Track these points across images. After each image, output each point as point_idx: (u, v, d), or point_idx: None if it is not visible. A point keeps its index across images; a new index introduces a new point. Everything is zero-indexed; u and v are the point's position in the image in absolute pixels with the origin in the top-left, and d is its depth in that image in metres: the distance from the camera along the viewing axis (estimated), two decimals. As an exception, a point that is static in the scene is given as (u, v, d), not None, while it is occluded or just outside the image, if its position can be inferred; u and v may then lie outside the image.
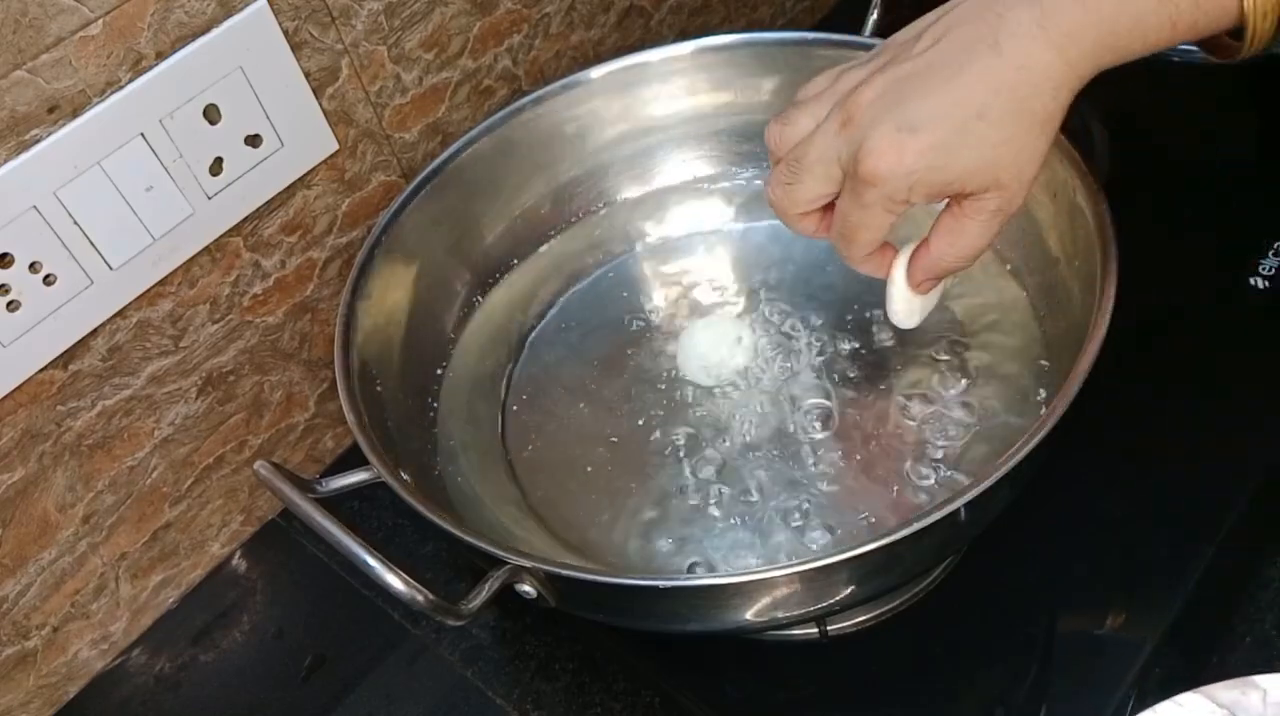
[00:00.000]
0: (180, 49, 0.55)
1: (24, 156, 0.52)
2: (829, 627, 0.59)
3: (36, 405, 0.58)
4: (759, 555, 0.58)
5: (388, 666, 0.64)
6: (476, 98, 0.72)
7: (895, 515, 0.58)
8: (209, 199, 0.60)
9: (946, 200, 0.49)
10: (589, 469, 0.63)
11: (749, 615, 0.51)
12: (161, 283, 0.60)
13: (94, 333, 0.58)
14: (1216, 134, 0.81)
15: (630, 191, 0.75)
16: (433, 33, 0.67)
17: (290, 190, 0.64)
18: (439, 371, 0.68)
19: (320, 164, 0.64)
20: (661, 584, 0.49)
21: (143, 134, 0.55)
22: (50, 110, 0.52)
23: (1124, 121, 0.81)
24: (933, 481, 0.59)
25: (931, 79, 0.46)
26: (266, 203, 0.63)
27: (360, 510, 0.71)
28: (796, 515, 0.59)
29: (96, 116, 0.54)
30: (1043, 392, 0.60)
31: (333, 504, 0.51)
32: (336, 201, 0.67)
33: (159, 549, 0.67)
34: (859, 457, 0.61)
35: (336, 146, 0.65)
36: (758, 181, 0.75)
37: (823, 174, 0.49)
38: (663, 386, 0.66)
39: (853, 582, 0.50)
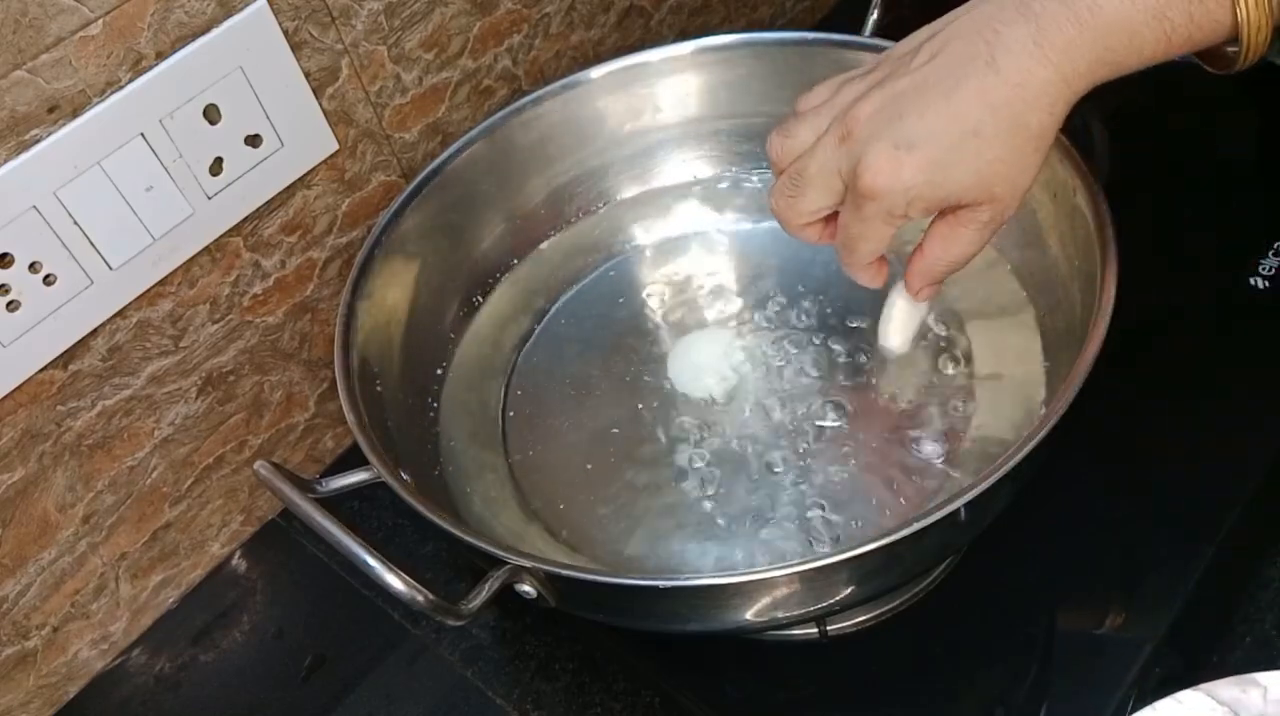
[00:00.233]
0: (180, 49, 0.55)
1: (24, 156, 0.52)
2: (829, 627, 0.59)
3: (36, 405, 0.58)
4: (758, 555, 0.58)
5: (388, 666, 0.64)
6: (476, 98, 0.72)
7: (895, 516, 0.58)
8: (209, 199, 0.60)
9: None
10: (589, 468, 0.63)
11: (749, 615, 0.51)
12: (161, 283, 0.60)
13: (94, 333, 0.58)
14: (1216, 134, 0.81)
15: (630, 191, 0.75)
16: (433, 33, 0.67)
17: (290, 190, 0.64)
18: (439, 371, 0.68)
19: (320, 164, 0.64)
20: (661, 584, 0.49)
21: (143, 134, 0.55)
22: (50, 110, 0.52)
23: (1124, 121, 0.81)
24: (932, 482, 0.59)
25: (928, 95, 0.46)
26: (266, 203, 0.63)
27: (360, 510, 0.71)
28: (796, 515, 0.59)
29: (96, 116, 0.54)
30: (1043, 392, 0.60)
31: (333, 504, 0.51)
32: (336, 201, 0.67)
33: (159, 549, 0.67)
34: (858, 459, 0.61)
35: (336, 146, 0.65)
36: (757, 181, 0.75)
37: (824, 186, 0.50)
38: (662, 387, 0.66)
39: (853, 582, 0.50)
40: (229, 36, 0.57)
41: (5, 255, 0.53)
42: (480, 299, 0.71)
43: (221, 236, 0.61)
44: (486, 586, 0.48)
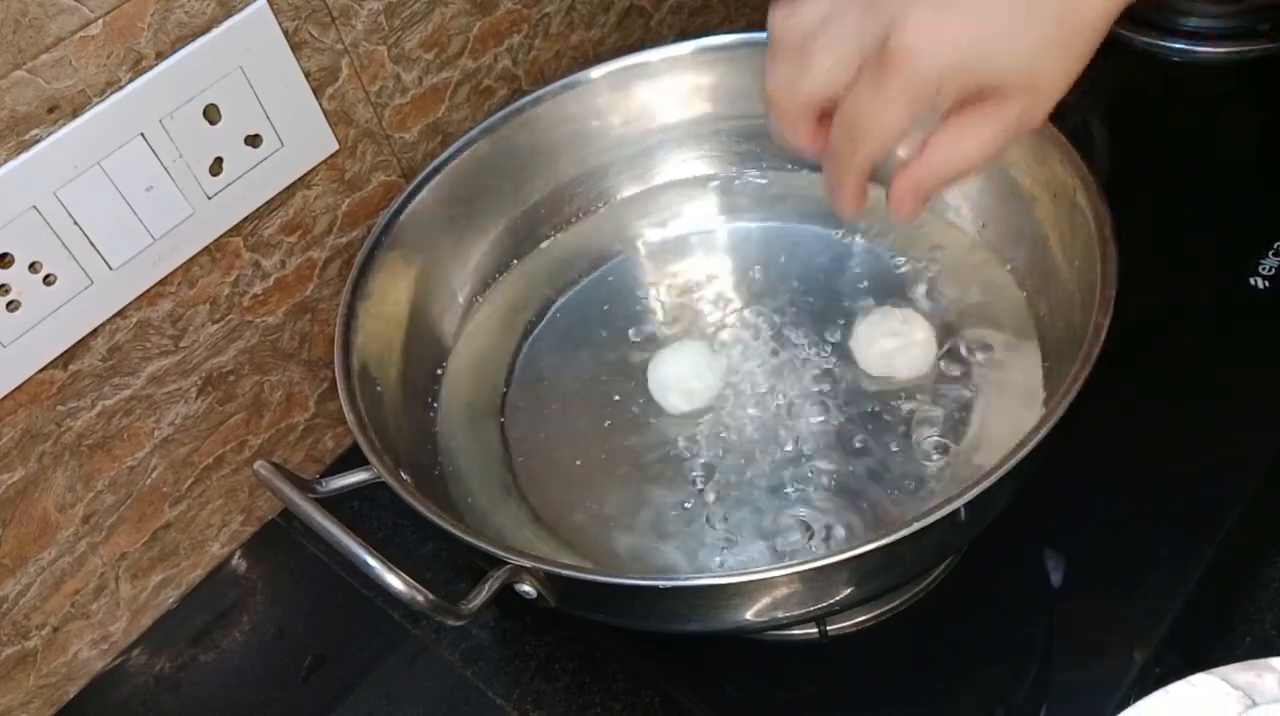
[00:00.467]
0: (180, 49, 0.55)
1: (24, 156, 0.52)
2: (829, 627, 0.59)
3: (36, 405, 0.58)
4: (758, 554, 0.58)
5: (388, 666, 0.64)
6: (476, 98, 0.72)
7: (894, 516, 0.58)
8: (209, 199, 0.60)
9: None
10: (589, 468, 0.63)
11: (749, 615, 0.51)
12: (161, 283, 0.60)
13: (94, 333, 0.58)
14: (1216, 134, 0.81)
15: (630, 191, 0.75)
16: (433, 33, 0.67)
17: (290, 190, 0.64)
18: (439, 371, 0.68)
19: (320, 164, 0.64)
20: (661, 584, 0.49)
21: (143, 134, 0.55)
22: (50, 110, 0.52)
23: (1124, 121, 0.81)
24: (932, 482, 0.59)
25: None
26: (266, 203, 0.63)
27: (360, 510, 0.71)
28: (796, 515, 0.59)
29: (96, 116, 0.54)
30: (1042, 392, 0.60)
31: (333, 504, 0.51)
32: (336, 201, 0.67)
33: (159, 549, 0.67)
34: (858, 459, 0.61)
35: (336, 146, 0.65)
36: (757, 181, 0.75)
37: (835, 63, 0.42)
38: (663, 386, 0.66)
39: (853, 582, 0.50)
40: (229, 36, 0.57)
41: (5, 255, 0.53)
42: (480, 299, 0.71)
43: (221, 236, 0.61)
44: (486, 586, 0.48)
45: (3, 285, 0.54)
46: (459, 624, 0.53)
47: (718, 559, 0.58)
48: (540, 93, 0.70)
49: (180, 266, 0.60)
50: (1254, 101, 0.83)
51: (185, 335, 0.62)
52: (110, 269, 0.57)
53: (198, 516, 0.68)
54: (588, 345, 0.69)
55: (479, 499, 0.63)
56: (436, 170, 0.67)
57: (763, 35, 0.70)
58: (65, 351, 0.57)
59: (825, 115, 0.44)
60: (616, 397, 0.66)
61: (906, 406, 0.62)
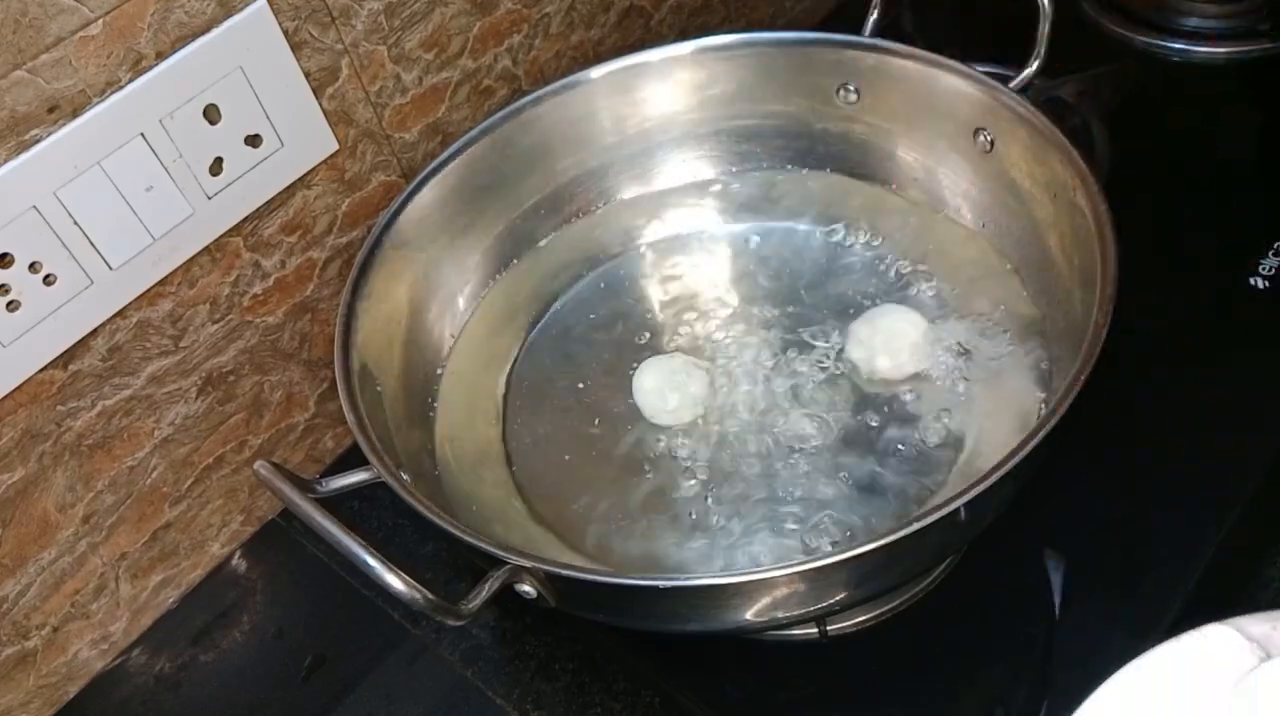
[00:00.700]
0: (180, 49, 0.55)
1: (24, 156, 0.52)
2: (829, 627, 0.59)
3: (36, 405, 0.58)
4: (758, 555, 0.58)
5: (388, 666, 0.64)
6: (476, 98, 0.72)
7: (894, 516, 0.58)
8: (209, 199, 0.60)
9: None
10: (589, 468, 0.63)
11: (749, 615, 0.51)
12: (161, 283, 0.60)
13: (94, 333, 0.58)
14: (1216, 134, 0.81)
15: (630, 191, 0.75)
16: (433, 33, 0.67)
17: (290, 190, 0.64)
18: (439, 371, 0.68)
19: (320, 164, 0.64)
20: (661, 584, 0.49)
21: (143, 134, 0.55)
22: (50, 110, 0.52)
23: (1124, 121, 0.81)
24: (932, 482, 0.59)
25: None
26: (266, 203, 0.63)
27: (360, 510, 0.71)
28: (795, 515, 0.59)
29: (96, 116, 0.54)
30: (1042, 393, 0.60)
31: (333, 504, 0.51)
32: (336, 201, 0.67)
33: (159, 549, 0.67)
34: (857, 458, 0.61)
35: (336, 146, 0.65)
36: (757, 181, 0.75)
37: None
38: (663, 386, 0.66)
39: (853, 582, 0.50)
40: (229, 36, 0.57)
41: (5, 255, 0.53)
42: (480, 299, 0.71)
43: (221, 236, 0.61)
44: (486, 586, 0.48)
45: (3, 285, 0.54)
46: (459, 624, 0.53)
47: (718, 559, 0.58)
48: (540, 93, 0.70)
49: (180, 266, 0.60)
50: (1254, 101, 0.83)
51: (185, 335, 0.62)
52: (110, 269, 0.57)
53: (198, 516, 0.68)
54: (588, 345, 0.69)
55: (479, 499, 0.63)
56: (436, 170, 0.67)
57: (763, 35, 0.71)
58: (65, 351, 0.57)
59: None
60: (617, 398, 0.66)
61: (905, 406, 0.62)
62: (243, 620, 0.68)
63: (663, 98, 0.72)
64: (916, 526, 0.46)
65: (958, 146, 0.67)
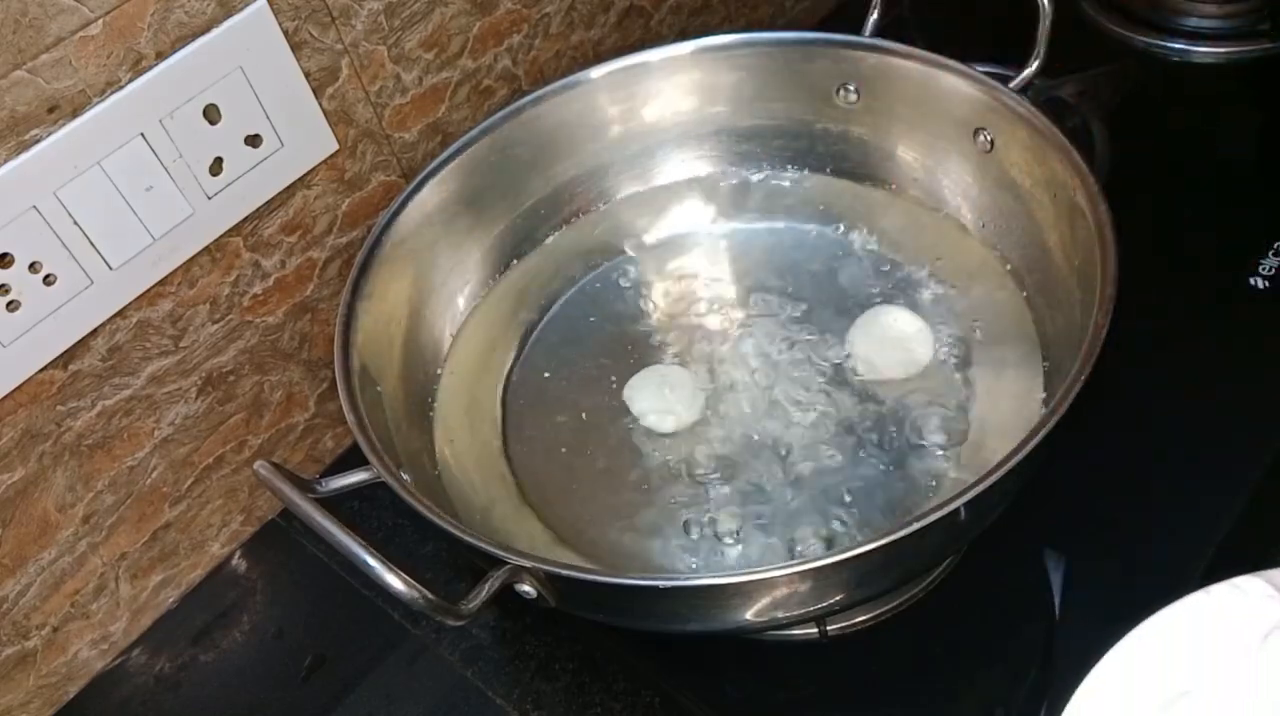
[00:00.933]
0: (180, 49, 0.55)
1: (24, 156, 0.52)
2: (829, 627, 0.59)
3: (36, 405, 0.58)
4: (758, 554, 0.58)
5: (388, 666, 0.64)
6: (476, 98, 0.72)
7: (894, 516, 0.58)
8: (209, 199, 0.60)
9: None
10: (589, 468, 0.63)
11: (749, 615, 0.51)
12: (161, 283, 0.60)
13: (94, 333, 0.58)
14: (1216, 134, 0.81)
15: (630, 191, 0.75)
16: (433, 33, 0.67)
17: (290, 190, 0.64)
18: (439, 371, 0.68)
19: (320, 164, 0.64)
20: (661, 584, 0.49)
21: (143, 134, 0.55)
22: (50, 110, 0.52)
23: (1124, 121, 0.81)
24: (932, 482, 0.59)
25: None
26: (266, 203, 0.63)
27: (360, 510, 0.71)
28: (796, 515, 0.59)
29: (96, 116, 0.54)
30: (1042, 392, 0.60)
31: (333, 504, 0.51)
32: (336, 201, 0.67)
33: (159, 549, 0.67)
34: (856, 458, 0.61)
35: (336, 146, 0.65)
36: (757, 181, 0.75)
37: None
38: (663, 386, 0.66)
39: (853, 582, 0.50)
40: (229, 36, 0.57)
41: (5, 255, 0.53)
42: (480, 299, 0.71)
43: (221, 236, 0.61)
44: (486, 586, 0.48)
45: (3, 285, 0.54)
46: (459, 624, 0.53)
47: (718, 559, 0.58)
48: (540, 93, 0.70)
49: (180, 266, 0.60)
50: (1254, 101, 0.83)
51: (185, 335, 0.62)
52: (110, 269, 0.57)
53: (198, 516, 0.68)
54: (588, 345, 0.69)
55: (479, 498, 0.63)
56: (436, 170, 0.67)
57: (763, 35, 0.71)
58: (65, 351, 0.57)
59: None
60: (617, 398, 0.66)
61: (905, 407, 0.62)
62: (243, 620, 0.68)
63: (663, 98, 0.72)
64: (916, 526, 0.46)
65: (958, 146, 0.67)
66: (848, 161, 0.73)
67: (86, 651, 0.66)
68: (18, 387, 0.56)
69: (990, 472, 0.47)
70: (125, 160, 0.55)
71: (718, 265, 0.72)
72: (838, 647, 0.60)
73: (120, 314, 0.59)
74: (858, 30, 0.69)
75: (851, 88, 0.70)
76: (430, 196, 0.67)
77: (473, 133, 0.68)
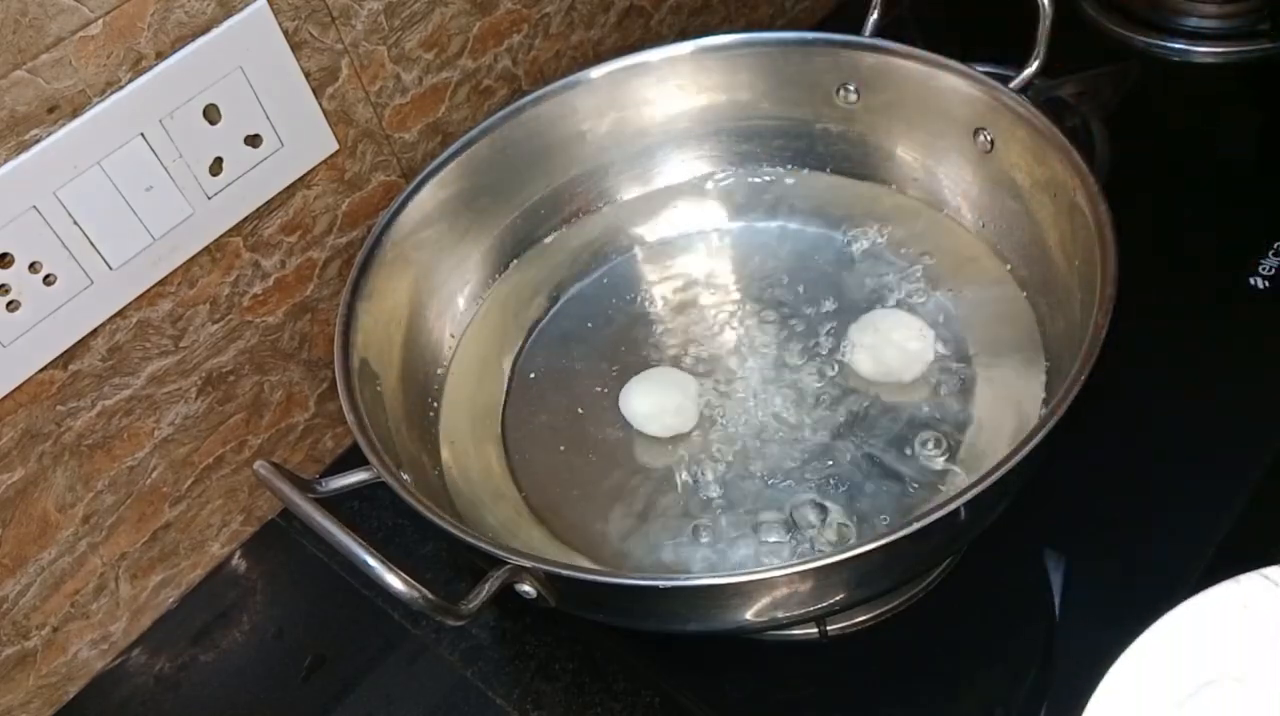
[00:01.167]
0: (180, 49, 0.55)
1: (24, 156, 0.52)
2: (829, 627, 0.59)
3: (36, 405, 0.58)
4: (757, 554, 0.58)
5: (388, 666, 0.64)
6: (476, 98, 0.72)
7: (894, 517, 0.58)
8: (209, 199, 0.60)
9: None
10: (589, 469, 0.63)
11: (749, 615, 0.51)
12: (161, 283, 0.60)
13: (94, 333, 0.58)
14: (1216, 134, 0.81)
15: (630, 191, 0.75)
16: (433, 33, 0.67)
17: (290, 190, 0.64)
18: (439, 371, 0.68)
19: (320, 164, 0.64)
20: (661, 584, 0.49)
21: (143, 134, 0.55)
22: (50, 110, 0.52)
23: (1124, 121, 0.81)
24: (932, 482, 0.59)
25: None
26: (266, 203, 0.63)
27: (360, 510, 0.71)
28: (796, 516, 0.59)
29: (96, 116, 0.54)
30: (1042, 392, 0.60)
31: (333, 504, 0.51)
32: (336, 201, 0.67)
33: (159, 549, 0.67)
34: (857, 459, 0.61)
35: (336, 146, 0.65)
36: (757, 181, 0.75)
37: None
38: (663, 386, 0.66)
39: (853, 582, 0.50)
40: (229, 36, 0.57)
41: (5, 255, 0.53)
42: (480, 299, 0.71)
43: (221, 236, 0.61)
44: (486, 586, 0.48)
45: (3, 285, 0.54)
46: (459, 624, 0.53)
47: (718, 559, 0.58)
48: (540, 93, 0.70)
49: (180, 266, 0.60)
50: (1254, 101, 0.83)
51: (185, 335, 0.62)
52: (110, 269, 0.57)
53: (198, 516, 0.68)
54: (588, 345, 0.69)
55: (479, 498, 0.63)
56: (436, 170, 0.67)
57: (763, 35, 0.71)
58: (65, 351, 0.57)
59: None
60: (617, 398, 0.66)
61: (906, 407, 0.62)
62: (243, 620, 0.68)
63: (663, 98, 0.72)
64: (916, 526, 0.46)
65: (958, 146, 0.67)
66: (848, 161, 0.73)
67: (86, 651, 0.66)
68: (18, 387, 0.56)
69: (990, 472, 0.47)
70: (125, 160, 0.55)
71: (718, 266, 0.72)
72: (838, 647, 0.60)
73: (120, 314, 0.59)
74: (858, 30, 0.69)
75: (851, 87, 0.70)
76: (430, 196, 0.67)
77: (473, 133, 0.68)
